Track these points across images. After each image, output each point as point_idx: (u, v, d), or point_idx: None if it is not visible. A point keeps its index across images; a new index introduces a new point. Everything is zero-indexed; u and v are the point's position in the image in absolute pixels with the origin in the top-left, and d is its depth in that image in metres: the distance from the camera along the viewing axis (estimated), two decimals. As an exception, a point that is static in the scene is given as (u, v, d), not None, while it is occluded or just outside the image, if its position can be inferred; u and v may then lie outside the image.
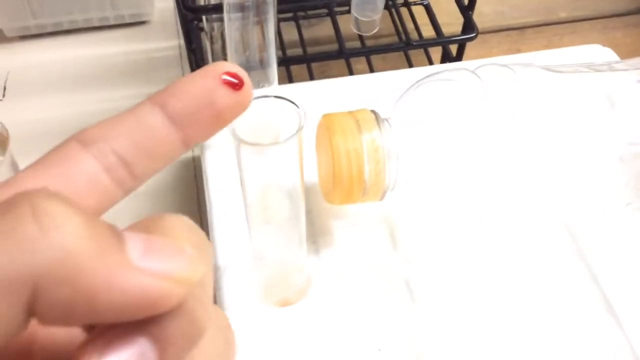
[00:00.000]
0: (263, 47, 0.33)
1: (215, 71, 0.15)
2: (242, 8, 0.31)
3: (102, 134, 0.14)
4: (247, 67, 0.34)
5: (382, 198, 0.31)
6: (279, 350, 0.29)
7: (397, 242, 0.33)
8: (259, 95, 0.24)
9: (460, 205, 0.33)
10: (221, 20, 0.47)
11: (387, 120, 0.30)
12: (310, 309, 0.31)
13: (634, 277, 0.32)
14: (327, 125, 0.29)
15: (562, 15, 0.60)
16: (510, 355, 0.29)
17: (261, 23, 0.32)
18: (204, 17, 0.44)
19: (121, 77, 0.50)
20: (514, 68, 0.30)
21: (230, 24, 0.32)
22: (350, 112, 0.30)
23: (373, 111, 0.30)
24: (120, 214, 0.16)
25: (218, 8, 0.39)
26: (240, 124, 0.23)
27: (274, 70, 0.35)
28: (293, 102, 0.23)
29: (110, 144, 0.14)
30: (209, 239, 0.16)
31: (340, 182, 0.29)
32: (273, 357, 0.29)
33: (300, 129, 0.23)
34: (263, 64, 0.34)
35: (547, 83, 0.30)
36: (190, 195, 0.43)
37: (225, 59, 0.47)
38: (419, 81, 0.30)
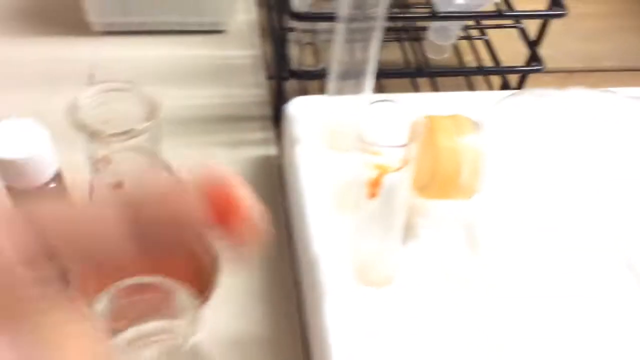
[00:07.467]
0: (366, 58, 0.36)
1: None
2: (353, 19, 0.34)
3: None
4: (344, 76, 0.37)
5: (471, 197, 0.33)
6: (367, 329, 0.32)
7: (476, 246, 0.36)
8: (377, 100, 0.28)
9: (537, 217, 0.36)
10: (315, 30, 0.51)
11: (481, 126, 0.33)
12: (395, 294, 0.33)
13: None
14: (431, 125, 0.32)
15: (607, 64, 0.64)
16: None
17: (368, 34, 0.35)
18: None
19: (198, 79, 0.53)
20: (610, 94, 0.33)
21: (340, 32, 0.35)
22: (449, 116, 0.33)
23: (469, 118, 0.33)
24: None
25: (324, 17, 0.42)
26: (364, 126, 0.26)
27: (370, 80, 0.37)
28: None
29: None
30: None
31: (439, 176, 0.31)
32: (363, 335, 0.31)
33: (417, 135, 0.26)
34: (359, 73, 0.37)
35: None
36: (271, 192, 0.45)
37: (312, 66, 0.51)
38: (514, 93, 0.33)
